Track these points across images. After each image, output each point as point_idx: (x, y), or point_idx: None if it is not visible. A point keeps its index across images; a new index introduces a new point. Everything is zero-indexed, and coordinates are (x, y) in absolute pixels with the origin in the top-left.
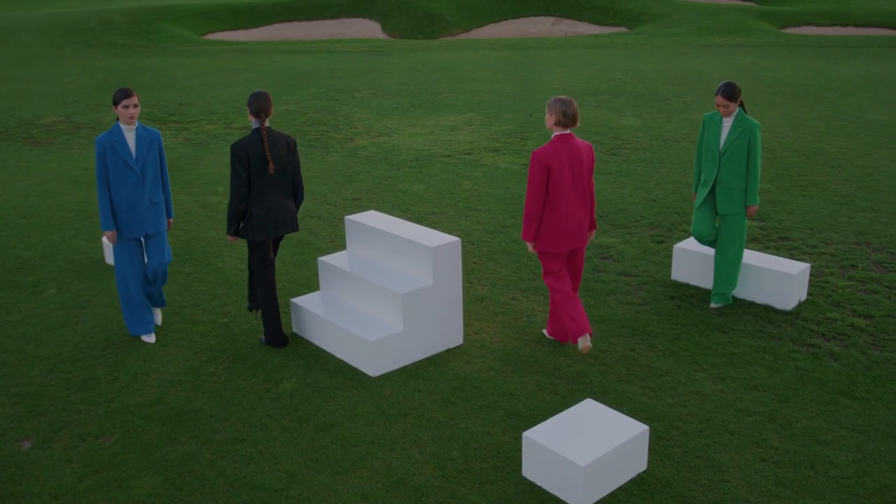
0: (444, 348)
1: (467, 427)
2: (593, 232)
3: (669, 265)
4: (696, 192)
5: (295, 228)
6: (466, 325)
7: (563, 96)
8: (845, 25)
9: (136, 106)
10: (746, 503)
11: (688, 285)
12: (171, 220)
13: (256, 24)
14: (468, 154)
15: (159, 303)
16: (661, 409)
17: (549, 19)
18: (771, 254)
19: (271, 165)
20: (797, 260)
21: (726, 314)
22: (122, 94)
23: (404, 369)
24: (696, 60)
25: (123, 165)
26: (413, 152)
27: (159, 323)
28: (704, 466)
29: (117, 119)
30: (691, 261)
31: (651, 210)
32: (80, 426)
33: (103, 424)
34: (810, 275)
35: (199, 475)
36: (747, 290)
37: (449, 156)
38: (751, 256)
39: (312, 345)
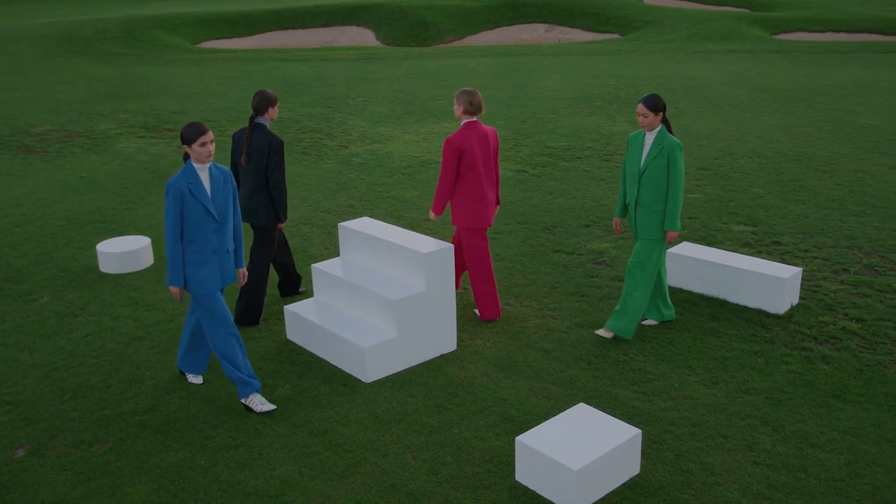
0: (438, 354)
1: (461, 432)
2: (497, 207)
3: None
4: (617, 216)
5: (249, 219)
6: (460, 330)
7: (468, 88)
8: (837, 31)
9: (212, 142)
10: None
11: (680, 290)
12: (243, 270)
13: (250, 33)
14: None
15: (202, 366)
16: (653, 413)
17: (542, 26)
18: (763, 258)
19: (244, 157)
20: (789, 264)
21: (719, 318)
22: (197, 131)
23: (398, 375)
24: (688, 67)
25: (202, 212)
26: (407, 159)
27: (198, 382)
28: (697, 470)
29: (186, 158)
30: (684, 266)
31: None
32: (73, 434)
33: (97, 432)
34: (802, 279)
35: (192, 482)
36: (739, 294)
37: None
38: (743, 261)
39: (306, 351)
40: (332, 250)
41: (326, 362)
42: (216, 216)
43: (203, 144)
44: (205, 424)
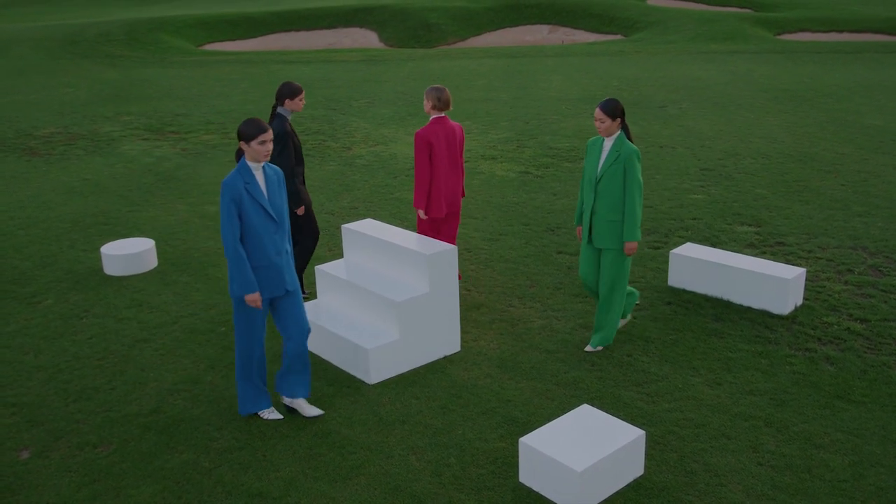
0: (442, 355)
1: (464, 433)
2: (462, 198)
3: (666, 271)
4: (576, 223)
5: None
6: (463, 332)
7: (437, 85)
8: (841, 31)
9: (271, 140)
10: None
11: (684, 291)
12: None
13: (253, 35)
14: (465, 162)
15: (305, 389)
16: (657, 414)
17: (546, 27)
18: (767, 259)
19: None
20: (793, 265)
21: (722, 319)
22: (257, 128)
23: (402, 377)
24: (692, 67)
25: (260, 213)
26: (410, 161)
27: (312, 414)
28: (701, 471)
29: (240, 156)
30: (688, 267)
31: (647, 216)
32: (78, 435)
33: (101, 434)
34: (806, 279)
35: (197, 483)
36: (743, 295)
37: None
38: (747, 261)
39: (310, 353)
40: (335, 252)
41: (330, 364)
42: (275, 217)
43: (262, 143)
44: (209, 426)
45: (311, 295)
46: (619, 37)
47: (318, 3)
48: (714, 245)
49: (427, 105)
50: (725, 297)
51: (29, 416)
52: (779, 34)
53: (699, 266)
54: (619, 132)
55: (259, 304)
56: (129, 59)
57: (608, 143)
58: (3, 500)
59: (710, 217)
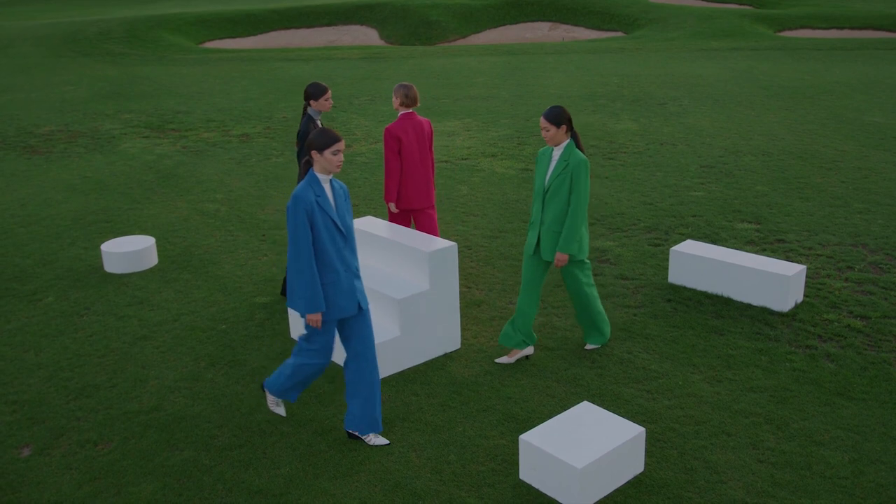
0: (442, 353)
1: (465, 430)
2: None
3: (666, 268)
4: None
5: None
6: (464, 329)
7: (405, 82)
8: (842, 28)
9: (343, 150)
10: None
11: (685, 288)
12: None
13: (254, 32)
14: (465, 159)
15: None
16: (657, 412)
17: (546, 24)
18: (767, 256)
19: (297, 143)
20: (794, 262)
21: (723, 316)
22: (331, 138)
23: (402, 374)
24: (692, 64)
25: (330, 227)
26: None
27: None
28: (701, 468)
29: (308, 167)
30: (688, 264)
31: (648, 213)
32: (79, 433)
33: (102, 431)
34: (807, 276)
35: (197, 481)
36: (744, 292)
37: (446, 161)
38: (747, 258)
39: None
40: None
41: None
42: (344, 231)
43: (336, 153)
44: (209, 423)
45: None
46: (619, 34)
47: (319, 0)
48: (714, 242)
49: (395, 102)
50: (726, 294)
51: (30, 414)
52: (779, 31)
53: (699, 263)
54: (567, 141)
55: (319, 324)
56: (129, 56)
57: (557, 153)
58: (4, 497)
59: (711, 214)
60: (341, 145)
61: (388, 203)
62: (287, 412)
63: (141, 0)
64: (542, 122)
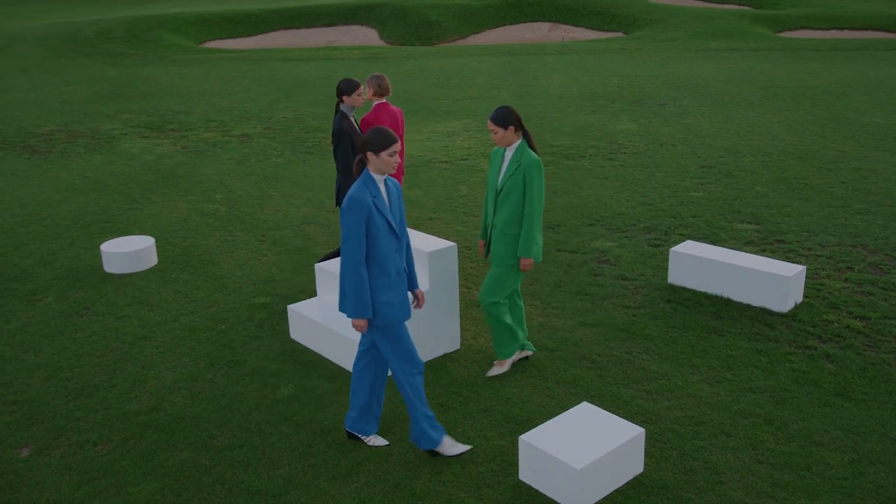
0: (441, 353)
1: (464, 431)
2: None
3: (666, 269)
4: (481, 237)
5: (336, 203)
6: (463, 329)
7: (377, 73)
8: (841, 29)
9: (398, 151)
10: None
11: (684, 289)
12: (420, 290)
13: (254, 33)
14: (465, 160)
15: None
16: (657, 412)
17: (546, 25)
18: (767, 256)
19: (331, 140)
20: (793, 262)
21: (722, 317)
22: (389, 138)
23: None
24: (692, 65)
25: (386, 228)
26: (410, 158)
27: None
28: (701, 469)
29: (362, 166)
30: (688, 264)
31: (647, 214)
32: (78, 433)
33: (101, 431)
34: (806, 277)
35: (196, 481)
36: (743, 292)
37: (446, 161)
38: (747, 259)
39: (310, 351)
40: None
41: (330, 361)
42: (398, 232)
43: (393, 154)
44: (209, 424)
45: (312, 293)
46: (619, 34)
47: (319, 0)
48: (714, 243)
49: (369, 93)
50: (725, 294)
51: (29, 414)
52: (779, 32)
53: (699, 264)
54: (519, 141)
55: (364, 329)
56: (129, 56)
57: (509, 153)
58: (4, 497)
59: (710, 214)
60: (398, 146)
61: None
62: (286, 413)
63: (141, 0)
64: (489, 124)
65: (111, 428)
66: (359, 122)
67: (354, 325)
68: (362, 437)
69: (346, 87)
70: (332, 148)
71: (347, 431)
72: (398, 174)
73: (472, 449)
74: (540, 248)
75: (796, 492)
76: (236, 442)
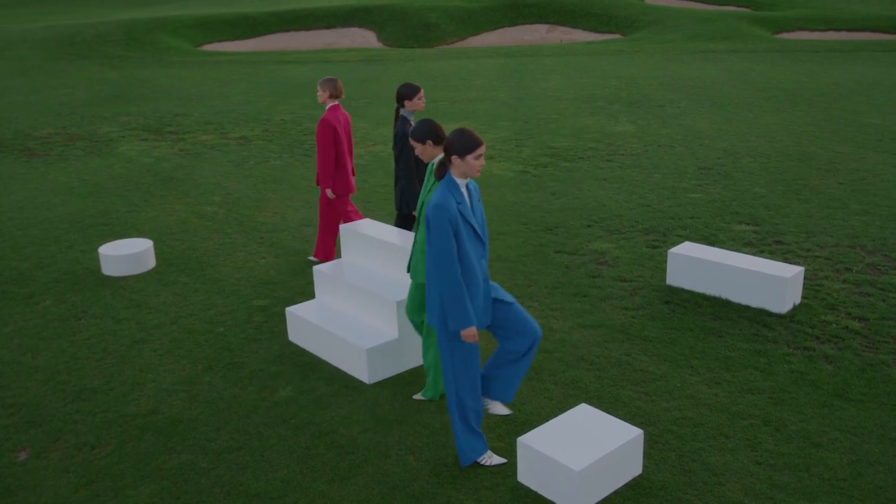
0: None
1: None
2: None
3: (664, 270)
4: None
5: (397, 206)
6: None
7: (330, 76)
8: (839, 30)
9: (483, 154)
10: None
11: (682, 290)
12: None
13: (252, 35)
14: None
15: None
16: (655, 414)
17: (544, 27)
18: (765, 257)
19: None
20: (791, 263)
21: (721, 318)
22: (475, 141)
23: (400, 376)
24: (690, 67)
25: (471, 234)
26: None
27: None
28: (699, 470)
29: (444, 170)
30: (686, 266)
31: (646, 215)
32: (76, 436)
33: (99, 434)
34: (805, 278)
35: (195, 484)
36: (742, 293)
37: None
38: (745, 260)
39: (308, 353)
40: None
41: (328, 364)
42: (482, 238)
43: (478, 157)
44: (207, 427)
45: (310, 295)
46: (617, 36)
47: (317, 3)
48: (712, 244)
49: (324, 95)
50: (724, 295)
51: (27, 417)
52: (777, 33)
53: (697, 265)
54: (441, 155)
55: (476, 338)
56: (127, 59)
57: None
58: (2, 501)
59: (709, 216)
60: (483, 149)
61: (325, 189)
62: (284, 415)
63: (139, 3)
64: (410, 139)
65: (109, 431)
66: (317, 123)
67: (465, 337)
68: (491, 403)
69: (407, 92)
70: (394, 153)
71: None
72: (352, 158)
73: (505, 462)
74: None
75: (795, 493)
76: (234, 444)
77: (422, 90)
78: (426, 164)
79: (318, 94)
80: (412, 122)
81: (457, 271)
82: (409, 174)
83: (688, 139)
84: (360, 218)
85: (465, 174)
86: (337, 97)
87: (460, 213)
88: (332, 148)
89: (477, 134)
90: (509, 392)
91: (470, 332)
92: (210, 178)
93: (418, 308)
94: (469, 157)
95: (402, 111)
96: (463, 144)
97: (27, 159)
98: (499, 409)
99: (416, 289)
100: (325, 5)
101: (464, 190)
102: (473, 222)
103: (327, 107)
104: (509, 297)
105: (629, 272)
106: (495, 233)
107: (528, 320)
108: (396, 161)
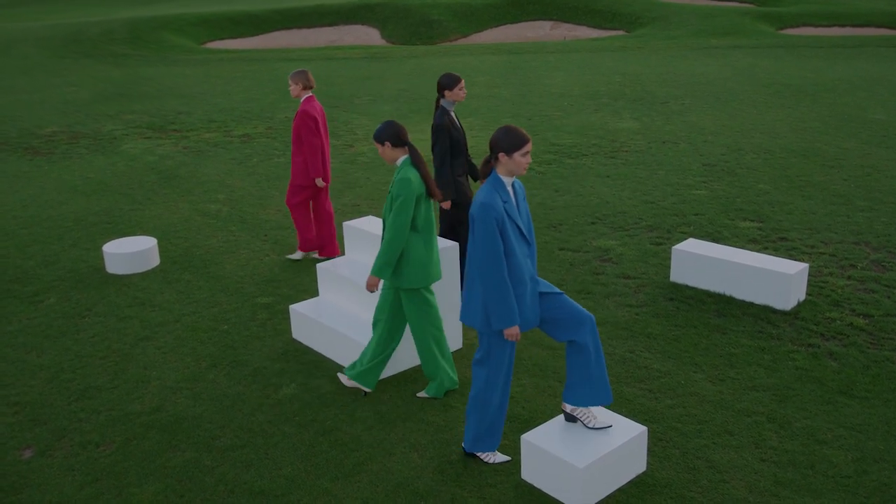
0: None
1: None
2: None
3: (668, 267)
4: None
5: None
6: (465, 328)
7: (301, 69)
8: (843, 26)
9: (530, 151)
10: (746, 503)
11: (687, 287)
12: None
13: (256, 33)
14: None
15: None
16: (659, 411)
17: (548, 23)
18: (770, 254)
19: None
20: (796, 260)
21: (725, 315)
22: (521, 138)
23: (403, 373)
24: (694, 63)
25: (517, 233)
26: None
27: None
28: (703, 467)
29: (489, 168)
30: (690, 262)
31: (649, 212)
32: (80, 434)
33: (104, 432)
34: (809, 275)
35: (199, 482)
36: (746, 290)
37: None
38: (749, 257)
39: (312, 350)
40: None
41: (332, 361)
42: (528, 237)
43: (525, 154)
44: (211, 424)
45: (314, 293)
46: (621, 32)
47: (320, 0)
48: (716, 240)
49: (297, 88)
50: (728, 292)
51: (31, 415)
52: (781, 29)
53: (701, 262)
54: (404, 157)
55: (519, 337)
56: (131, 57)
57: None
58: (6, 499)
59: (713, 212)
60: (530, 146)
61: (315, 178)
62: (288, 413)
63: (143, 1)
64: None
65: (113, 429)
66: (295, 114)
67: (508, 336)
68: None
69: (448, 82)
70: (431, 144)
71: (565, 412)
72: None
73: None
74: (409, 270)
75: (800, 490)
76: (239, 442)
77: (462, 80)
78: (462, 154)
79: (291, 87)
80: (453, 114)
81: (503, 270)
82: (441, 165)
83: (692, 136)
84: (329, 203)
85: (511, 172)
86: (310, 88)
87: (506, 212)
88: (318, 137)
89: (523, 130)
90: (604, 392)
91: (513, 332)
92: (214, 175)
93: (386, 307)
94: (516, 155)
95: (441, 101)
96: (510, 142)
97: (31, 158)
98: (601, 419)
99: (385, 290)
100: (328, 3)
101: (510, 188)
102: (519, 222)
103: (302, 99)
104: (556, 289)
105: (633, 269)
106: None
107: (576, 307)
108: (433, 151)
